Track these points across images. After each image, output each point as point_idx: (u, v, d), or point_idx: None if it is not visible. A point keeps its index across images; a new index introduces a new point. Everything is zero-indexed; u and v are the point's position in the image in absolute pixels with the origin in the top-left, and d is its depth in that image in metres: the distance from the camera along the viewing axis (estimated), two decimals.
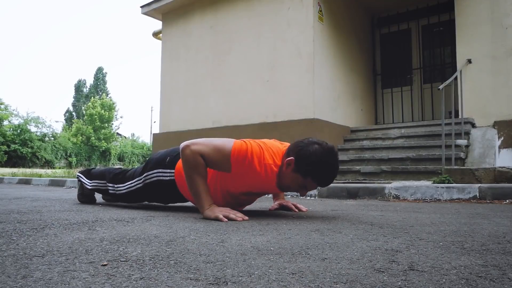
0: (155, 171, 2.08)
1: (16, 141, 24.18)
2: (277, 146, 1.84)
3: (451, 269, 0.85)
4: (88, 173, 2.53)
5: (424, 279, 0.77)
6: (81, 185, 2.54)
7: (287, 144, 1.89)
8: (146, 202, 2.39)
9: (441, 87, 4.38)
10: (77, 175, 2.58)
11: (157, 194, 2.16)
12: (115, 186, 2.30)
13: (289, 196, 3.44)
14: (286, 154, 1.76)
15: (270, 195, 3.36)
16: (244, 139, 1.79)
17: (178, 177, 1.97)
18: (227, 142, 1.76)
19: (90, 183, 2.46)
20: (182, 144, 1.79)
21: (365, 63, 6.85)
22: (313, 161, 1.67)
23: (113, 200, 2.67)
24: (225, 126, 6.32)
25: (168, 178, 2.02)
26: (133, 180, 2.20)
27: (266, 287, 0.72)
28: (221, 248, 1.07)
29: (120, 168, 2.53)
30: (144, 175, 2.12)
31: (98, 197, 2.67)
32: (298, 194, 1.86)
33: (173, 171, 2.01)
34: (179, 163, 1.98)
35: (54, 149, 26.87)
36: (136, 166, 2.42)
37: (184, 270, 0.83)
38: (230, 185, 1.83)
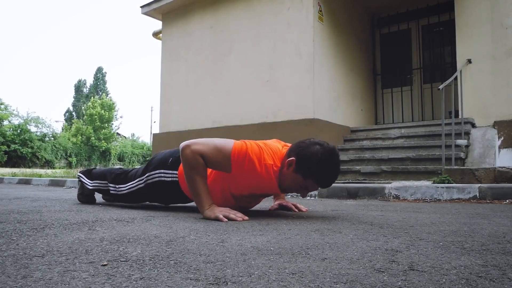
0: (157, 171, 2.07)
1: (16, 141, 24.18)
2: (277, 147, 1.84)
3: (451, 269, 0.85)
4: (89, 173, 2.52)
5: (424, 279, 0.77)
6: (82, 185, 2.54)
7: (288, 145, 1.89)
8: (147, 202, 2.39)
9: (441, 87, 4.38)
10: (78, 175, 2.57)
11: (158, 195, 2.15)
12: (117, 186, 2.29)
13: (289, 196, 3.44)
14: (287, 155, 1.76)
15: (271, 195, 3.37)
16: (244, 140, 1.79)
17: (182, 178, 1.96)
18: (227, 142, 1.76)
19: (91, 183, 2.45)
20: (182, 144, 1.79)
21: (365, 63, 6.85)
22: (314, 162, 1.67)
23: (113, 200, 2.67)
24: (225, 126, 6.32)
25: (170, 179, 2.02)
26: (134, 180, 2.20)
27: (266, 287, 0.72)
28: (221, 248, 1.07)
29: (121, 168, 2.52)
30: (146, 176, 2.12)
31: (98, 197, 2.67)
32: (299, 194, 1.86)
33: (175, 172, 2.01)
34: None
35: (54, 149, 26.87)
36: (137, 167, 2.42)
37: (184, 270, 0.83)
38: (232, 187, 1.83)
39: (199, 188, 1.74)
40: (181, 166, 1.96)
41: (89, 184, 2.46)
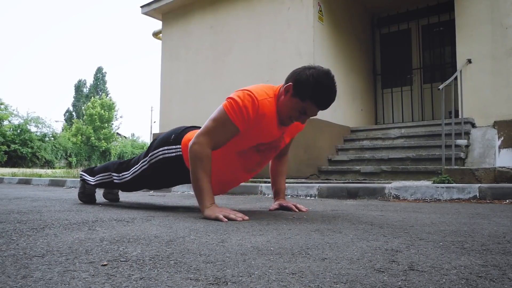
0: (160, 149, 2.06)
1: (16, 141, 24.19)
2: (269, 86, 1.89)
3: (451, 269, 0.85)
4: (91, 171, 2.52)
5: (424, 279, 0.77)
6: (83, 184, 2.54)
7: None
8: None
9: (441, 87, 4.38)
10: (80, 174, 2.57)
11: (163, 174, 2.12)
12: (120, 174, 2.28)
13: (289, 196, 3.45)
14: (284, 83, 1.81)
15: (270, 195, 3.37)
16: (230, 96, 1.78)
17: (185, 151, 1.95)
18: (217, 112, 1.77)
19: (94, 179, 2.45)
20: (190, 143, 1.78)
21: (365, 63, 6.85)
22: (311, 83, 1.71)
23: (114, 199, 2.67)
24: None
25: (174, 154, 2.00)
26: (138, 164, 2.19)
27: (266, 287, 0.72)
28: (221, 248, 1.07)
29: (120, 160, 2.52)
30: (149, 156, 2.11)
31: (98, 197, 2.67)
32: (300, 122, 1.87)
33: (179, 146, 2.00)
34: (185, 138, 1.99)
35: (54, 149, 26.88)
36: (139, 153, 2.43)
37: (184, 270, 0.83)
38: (237, 144, 1.83)
39: (202, 185, 1.75)
40: (184, 139, 1.98)
41: (91, 180, 2.46)
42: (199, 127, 1.94)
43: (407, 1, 6.49)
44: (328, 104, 1.80)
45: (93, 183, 2.45)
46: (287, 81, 1.80)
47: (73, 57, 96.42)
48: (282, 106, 1.80)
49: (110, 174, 2.34)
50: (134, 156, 2.40)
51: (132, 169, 2.22)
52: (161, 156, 2.05)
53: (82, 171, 2.59)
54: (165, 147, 2.04)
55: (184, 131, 2.07)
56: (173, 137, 2.05)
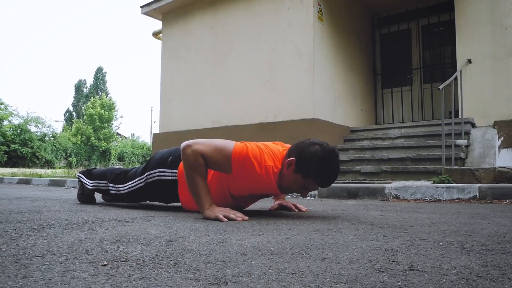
0: (157, 170, 2.07)
1: (16, 141, 24.17)
2: (278, 149, 1.84)
3: (451, 269, 0.85)
4: (89, 173, 2.52)
5: (424, 279, 0.77)
6: (82, 185, 2.54)
7: (284, 146, 1.90)
8: (147, 201, 2.39)
9: (441, 87, 4.38)
10: (78, 175, 2.57)
11: (158, 194, 2.16)
12: (116, 186, 2.29)
13: (289, 196, 3.44)
14: (287, 155, 1.76)
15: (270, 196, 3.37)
16: (244, 142, 1.79)
17: (181, 177, 1.97)
18: (228, 143, 1.76)
19: (91, 183, 2.45)
20: (183, 144, 1.79)
21: (365, 63, 6.85)
22: (314, 162, 1.68)
23: (113, 200, 2.67)
24: (225, 126, 6.32)
25: (170, 178, 2.02)
26: (134, 179, 2.20)
27: (266, 287, 0.72)
28: (221, 248, 1.07)
29: (121, 168, 2.52)
30: (145, 175, 2.12)
31: (98, 197, 2.67)
32: (299, 194, 1.87)
33: (175, 171, 2.01)
34: (182, 163, 1.98)
35: (54, 149, 26.86)
36: (136, 166, 2.43)
37: (184, 270, 0.83)
38: (231, 187, 1.84)
39: (199, 188, 1.75)
40: (180, 165, 1.97)
41: (89, 184, 2.46)
42: None
43: (407, 1, 6.49)
44: (331, 183, 1.77)
45: (90, 187, 2.45)
46: (289, 154, 1.76)
47: (73, 57, 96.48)
48: (283, 178, 1.77)
49: (107, 184, 2.36)
50: (132, 168, 2.40)
51: (128, 184, 2.22)
52: (157, 178, 2.07)
53: (80, 172, 2.59)
54: (162, 169, 2.06)
55: (181, 144, 2.09)
56: (170, 159, 2.06)
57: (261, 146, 1.78)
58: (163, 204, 2.45)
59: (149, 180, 2.10)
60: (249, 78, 6.16)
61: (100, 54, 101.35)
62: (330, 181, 1.75)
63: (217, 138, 1.87)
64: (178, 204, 2.40)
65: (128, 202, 2.49)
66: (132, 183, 2.20)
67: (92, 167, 2.59)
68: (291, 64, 5.68)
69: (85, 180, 2.49)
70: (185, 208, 2.09)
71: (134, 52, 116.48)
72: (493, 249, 1.07)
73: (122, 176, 2.30)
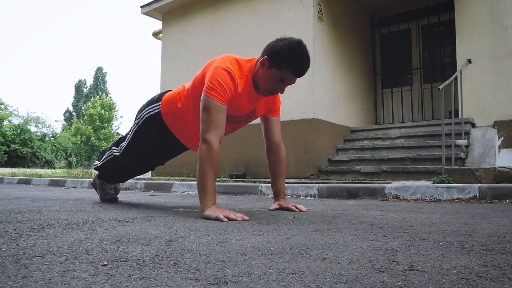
0: (145, 110, 2.24)
1: (16, 141, 24.18)
2: (243, 59, 1.97)
3: (451, 269, 0.85)
4: (101, 156, 2.71)
5: (424, 279, 0.77)
6: (102, 186, 2.67)
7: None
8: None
9: (441, 87, 4.38)
10: (94, 164, 2.70)
11: (151, 136, 2.24)
12: (119, 146, 2.43)
13: (289, 196, 3.45)
14: (259, 59, 1.91)
15: (270, 195, 3.37)
16: (208, 82, 1.85)
17: (164, 106, 2.12)
18: (205, 103, 1.83)
19: (100, 161, 2.60)
20: (200, 142, 1.82)
21: (365, 63, 6.85)
22: (285, 52, 1.81)
23: (112, 199, 2.67)
24: None
25: (157, 110, 2.17)
26: (130, 131, 2.36)
27: (266, 287, 0.72)
28: (221, 248, 1.07)
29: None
30: (136, 118, 2.28)
31: (97, 197, 2.67)
32: (280, 92, 1.97)
33: (159, 103, 2.17)
34: (165, 96, 2.18)
35: (54, 149, 26.87)
36: None
37: (184, 270, 0.83)
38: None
39: (207, 183, 1.76)
40: (164, 97, 2.16)
41: (98, 164, 2.60)
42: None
43: (407, 1, 6.49)
44: (304, 70, 1.88)
45: (100, 163, 2.58)
46: (262, 55, 1.90)
47: (73, 57, 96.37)
48: (260, 79, 1.89)
49: (111, 149, 2.50)
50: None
51: (127, 137, 2.37)
52: (146, 115, 2.22)
53: (96, 160, 2.79)
54: (149, 106, 2.23)
55: (166, 92, 2.26)
56: (156, 97, 2.25)
57: (224, 65, 1.89)
58: (162, 163, 2.52)
59: (140, 121, 2.24)
60: None
61: (100, 54, 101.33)
62: (303, 67, 1.86)
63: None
64: (179, 204, 2.40)
65: (131, 171, 2.57)
66: (129, 134, 2.35)
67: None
68: None
69: (97, 163, 2.62)
70: (181, 141, 2.20)
71: (134, 52, 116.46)
72: (493, 249, 1.07)
73: (123, 137, 2.48)
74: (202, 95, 1.86)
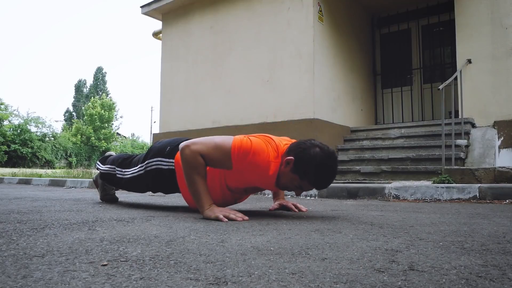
0: (155, 159, 2.13)
1: (16, 141, 24.18)
2: (281, 143, 1.83)
3: (451, 269, 0.85)
4: (104, 159, 2.62)
5: (424, 279, 0.77)
6: (102, 186, 2.66)
7: (287, 140, 1.89)
8: (150, 192, 2.44)
9: (441, 87, 4.38)
10: (96, 165, 2.68)
11: (157, 183, 2.18)
12: (123, 170, 2.38)
13: (289, 196, 3.45)
14: (286, 153, 1.75)
15: (270, 195, 3.37)
16: (246, 135, 1.79)
17: (178, 167, 2.00)
18: (226, 139, 1.76)
19: (103, 167, 2.55)
20: (182, 144, 1.79)
21: (365, 63, 6.85)
22: (313, 165, 1.67)
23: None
24: (225, 126, 6.32)
25: (167, 167, 2.07)
26: (137, 166, 2.26)
27: (266, 287, 0.72)
28: (221, 248, 1.07)
29: (128, 154, 2.61)
30: (145, 163, 2.18)
31: (97, 197, 2.67)
32: (295, 193, 1.87)
33: (172, 160, 2.05)
34: (179, 153, 2.01)
35: (54, 149, 26.87)
36: (142, 153, 2.51)
37: (184, 270, 0.83)
38: (229, 179, 1.85)
39: (199, 188, 1.75)
40: (177, 155, 2.00)
41: (101, 168, 2.55)
42: None
43: (407, 1, 6.49)
44: (326, 186, 1.78)
45: (102, 169, 2.54)
46: (289, 152, 1.74)
47: (73, 57, 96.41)
48: (280, 175, 1.76)
49: (115, 169, 2.44)
50: (138, 154, 2.48)
51: (132, 169, 2.29)
52: (155, 166, 2.12)
53: (98, 160, 2.70)
54: (160, 158, 2.10)
55: (179, 145, 2.10)
56: (168, 149, 2.09)
57: (266, 139, 1.78)
58: (163, 194, 2.48)
59: (148, 168, 2.15)
60: (249, 78, 6.16)
61: (100, 54, 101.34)
62: (326, 184, 1.76)
63: (218, 135, 1.88)
64: (179, 204, 2.40)
65: (133, 191, 2.54)
66: (135, 170, 2.27)
67: (108, 154, 2.69)
68: (291, 64, 5.68)
69: (100, 166, 2.58)
70: (185, 200, 2.11)
71: (134, 52, 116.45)
72: (493, 249, 1.07)
73: (128, 161, 2.40)
74: (232, 137, 1.76)
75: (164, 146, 2.14)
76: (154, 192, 2.39)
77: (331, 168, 1.71)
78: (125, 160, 2.41)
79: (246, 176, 1.77)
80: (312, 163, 1.67)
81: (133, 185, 2.35)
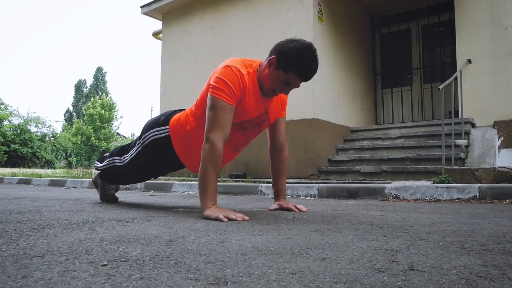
0: (151, 131, 2.16)
1: (16, 141, 24.17)
2: (247, 60, 1.94)
3: (451, 269, 0.85)
4: (102, 159, 2.62)
5: (424, 279, 0.77)
6: (102, 186, 2.64)
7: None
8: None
9: (441, 87, 4.38)
10: (95, 165, 2.67)
11: (157, 155, 2.18)
12: (121, 157, 2.39)
13: (289, 196, 3.45)
14: (267, 58, 1.86)
15: (270, 195, 3.37)
16: (214, 80, 1.83)
17: (173, 132, 2.05)
18: (211, 102, 1.80)
19: (101, 165, 2.54)
20: (203, 144, 1.80)
21: (365, 63, 6.85)
22: (294, 55, 1.76)
23: (112, 199, 2.67)
24: None
25: (164, 134, 2.10)
26: (134, 147, 2.29)
27: (266, 287, 0.72)
28: (221, 248, 1.07)
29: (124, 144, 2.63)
30: (142, 138, 2.21)
31: (97, 197, 2.67)
32: (284, 92, 1.95)
33: (167, 127, 2.09)
34: (173, 119, 2.10)
35: (54, 149, 26.85)
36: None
37: (184, 270, 0.83)
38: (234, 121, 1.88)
39: (208, 183, 1.76)
40: (172, 120, 2.08)
41: (99, 166, 2.55)
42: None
43: (407, 1, 6.49)
44: (310, 75, 1.85)
45: (100, 167, 2.54)
46: (270, 54, 1.85)
47: (73, 57, 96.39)
48: (265, 78, 1.85)
49: (114, 159, 2.45)
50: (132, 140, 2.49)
51: (131, 152, 2.32)
52: (151, 138, 2.14)
53: (96, 160, 2.70)
54: (155, 129, 2.15)
55: (173, 113, 2.18)
56: (162, 119, 2.16)
57: (230, 63, 1.86)
58: (164, 175, 2.52)
59: (146, 142, 2.17)
60: None
61: (100, 54, 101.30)
62: (310, 73, 1.83)
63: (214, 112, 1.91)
64: (179, 204, 2.40)
65: (133, 179, 2.57)
66: (133, 150, 2.29)
67: (105, 155, 2.69)
68: None
69: (98, 164, 2.58)
70: (185, 163, 2.13)
71: (134, 52, 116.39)
72: (493, 249, 1.07)
73: (125, 148, 2.42)
74: (208, 95, 1.83)
75: (158, 117, 2.21)
76: (155, 173, 2.39)
77: (312, 54, 1.80)
78: (122, 149, 2.46)
79: (237, 107, 1.84)
80: (293, 52, 1.76)
81: (133, 168, 2.34)
